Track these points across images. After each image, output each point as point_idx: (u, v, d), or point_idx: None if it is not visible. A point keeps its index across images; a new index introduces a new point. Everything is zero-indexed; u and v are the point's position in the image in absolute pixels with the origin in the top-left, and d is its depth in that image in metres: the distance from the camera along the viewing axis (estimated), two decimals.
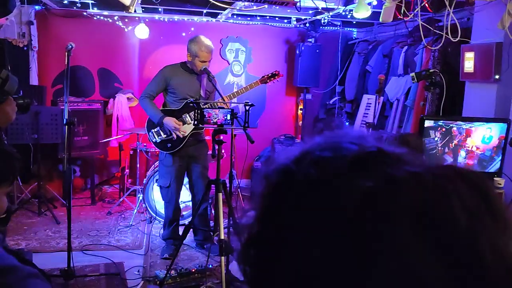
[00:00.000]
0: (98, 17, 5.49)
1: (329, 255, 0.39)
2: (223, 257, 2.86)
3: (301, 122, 6.29)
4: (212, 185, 3.16)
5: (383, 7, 2.96)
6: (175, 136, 3.67)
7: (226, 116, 2.92)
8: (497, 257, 0.38)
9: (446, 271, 0.37)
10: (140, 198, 4.67)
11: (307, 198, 0.42)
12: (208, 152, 4.00)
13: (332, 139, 0.47)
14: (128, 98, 5.64)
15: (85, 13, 5.31)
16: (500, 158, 3.03)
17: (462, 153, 3.08)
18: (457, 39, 3.07)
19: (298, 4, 2.60)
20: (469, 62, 3.47)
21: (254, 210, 0.47)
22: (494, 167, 3.05)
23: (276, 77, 3.92)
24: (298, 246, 0.41)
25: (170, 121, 3.63)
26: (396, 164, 0.42)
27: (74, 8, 5.10)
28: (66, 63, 2.92)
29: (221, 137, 3.02)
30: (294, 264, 0.41)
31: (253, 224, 0.46)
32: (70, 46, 3.01)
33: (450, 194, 0.39)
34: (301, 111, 6.28)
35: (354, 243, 0.39)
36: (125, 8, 2.68)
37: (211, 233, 3.89)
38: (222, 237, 2.87)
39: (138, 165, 4.83)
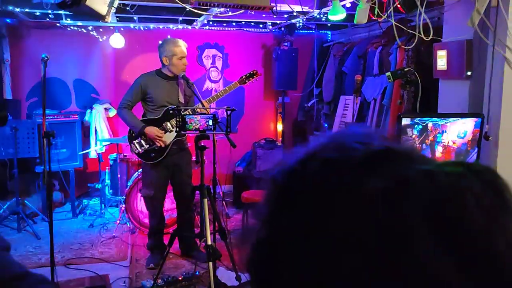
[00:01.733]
0: (72, 27, 5.43)
1: (341, 258, 0.39)
2: (210, 263, 2.85)
3: (280, 125, 6.34)
4: (197, 192, 3.16)
5: (357, 8, 3.02)
6: (158, 145, 3.64)
7: (208, 121, 2.93)
8: None
9: (462, 270, 0.36)
10: (123, 208, 4.62)
11: (316, 201, 0.41)
12: (192, 159, 3.99)
13: (337, 138, 0.46)
14: (105, 108, 5.58)
15: (58, 24, 5.24)
16: (476, 150, 3.12)
17: (439, 149, 3.15)
18: (429, 38, 3.15)
19: (274, 8, 2.64)
20: (441, 60, 3.57)
21: (260, 213, 0.46)
22: (471, 159, 3.14)
23: (255, 76, 3.89)
24: (308, 249, 0.40)
25: (152, 130, 3.60)
26: (406, 163, 0.41)
27: (47, 19, 5.03)
28: (42, 74, 2.87)
29: (203, 143, 3.03)
30: (304, 268, 0.40)
31: (261, 227, 0.45)
32: (46, 57, 2.97)
33: (464, 192, 0.38)
34: (280, 114, 6.32)
35: (367, 247, 0.38)
36: (101, 18, 2.66)
37: (197, 240, 3.88)
38: (209, 242, 2.86)
39: (119, 176, 4.78)
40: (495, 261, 0.37)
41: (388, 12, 2.98)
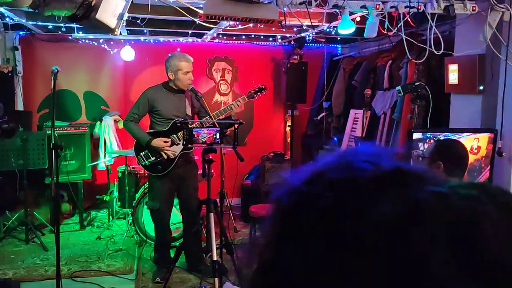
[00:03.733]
0: (83, 40, 5.49)
1: (363, 278, 0.36)
2: (216, 279, 2.81)
3: (289, 138, 6.30)
4: (203, 205, 3.12)
5: (367, 22, 3.00)
6: (165, 156, 3.62)
7: (216, 135, 2.91)
8: None
9: None
10: (130, 221, 4.59)
11: (323, 224, 0.39)
12: (198, 172, 3.96)
13: (344, 157, 0.44)
14: (115, 120, 5.60)
15: (70, 37, 5.31)
16: (488, 168, 3.06)
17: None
18: (440, 52, 3.12)
19: (283, 21, 2.63)
20: (453, 74, 3.53)
21: (265, 234, 0.44)
22: (484, 177, 3.07)
23: (264, 91, 3.83)
24: (314, 274, 0.38)
25: (158, 141, 3.59)
26: (418, 185, 0.39)
27: (59, 32, 5.09)
28: (52, 87, 2.89)
29: (210, 157, 3.00)
30: None
31: (265, 249, 0.43)
32: (56, 70, 2.99)
33: (481, 218, 0.36)
34: (289, 128, 6.30)
35: (377, 275, 0.35)
36: (110, 31, 2.67)
37: (203, 255, 3.84)
38: (215, 258, 2.82)
39: (127, 188, 4.77)
40: None
41: (398, 26, 2.96)
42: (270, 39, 5.96)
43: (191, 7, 2.63)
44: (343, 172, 0.42)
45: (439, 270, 0.35)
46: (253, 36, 5.75)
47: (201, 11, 2.56)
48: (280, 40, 5.95)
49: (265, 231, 0.45)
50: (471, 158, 3.09)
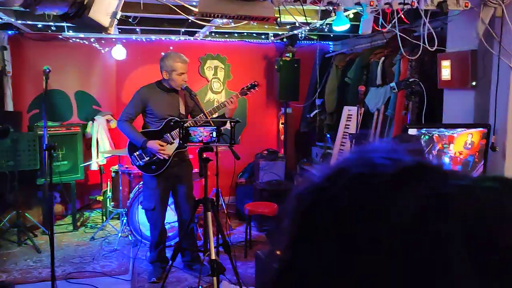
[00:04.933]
0: (74, 39, 5.43)
1: (377, 282, 0.36)
2: (214, 278, 2.80)
3: (282, 136, 6.30)
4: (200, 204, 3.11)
5: (362, 19, 3.00)
6: (161, 158, 3.60)
7: (212, 133, 2.89)
8: None
9: None
10: (124, 221, 4.56)
11: (349, 220, 0.38)
12: (193, 171, 3.94)
13: (362, 154, 0.44)
14: (107, 120, 5.56)
15: (60, 36, 5.24)
16: (482, 162, 3.08)
17: (446, 160, 3.11)
18: (434, 48, 3.13)
19: (278, 19, 2.62)
20: (446, 70, 3.54)
21: (285, 233, 0.43)
22: (478, 172, 3.10)
23: (256, 87, 3.84)
24: (328, 277, 0.38)
25: (154, 144, 3.57)
26: (441, 179, 0.39)
27: (49, 31, 5.03)
28: (44, 87, 2.85)
29: (204, 155, 2.99)
30: None
31: (286, 249, 0.42)
32: (48, 70, 2.95)
33: (506, 209, 0.36)
34: (282, 125, 6.30)
35: (406, 268, 0.35)
36: (104, 29, 2.64)
37: (199, 254, 3.83)
38: (213, 257, 2.81)
39: (120, 188, 4.73)
40: None
41: (392, 22, 2.96)
42: (263, 36, 5.95)
43: (186, 4, 2.61)
44: (365, 168, 0.41)
45: (460, 261, 0.34)
46: (245, 34, 5.73)
47: (195, 9, 2.54)
48: (272, 38, 5.94)
49: (284, 230, 0.44)
50: (465, 153, 3.11)
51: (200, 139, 2.87)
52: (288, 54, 5.88)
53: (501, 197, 0.37)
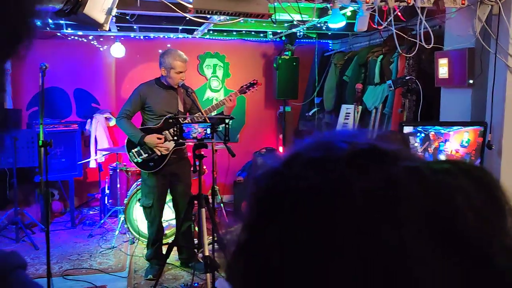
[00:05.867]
0: (72, 37, 5.44)
1: (328, 268, 0.36)
2: (208, 274, 2.80)
3: (281, 134, 6.30)
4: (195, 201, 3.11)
5: (357, 16, 2.99)
6: (158, 153, 3.60)
7: (206, 130, 2.89)
8: (508, 258, 0.36)
9: (453, 272, 0.35)
10: (122, 218, 4.57)
11: (302, 203, 0.39)
12: (192, 169, 3.95)
13: (322, 139, 0.44)
14: (106, 118, 5.57)
15: (58, 34, 5.25)
16: (479, 161, 3.07)
17: (442, 158, 3.11)
18: (430, 46, 3.12)
19: (273, 16, 2.62)
20: (443, 68, 3.54)
21: (241, 218, 0.44)
22: None
23: (255, 86, 3.85)
24: (290, 255, 0.38)
25: (151, 138, 3.57)
26: (392, 161, 0.39)
27: (48, 29, 5.03)
28: (40, 84, 2.86)
29: (202, 152, 2.99)
30: (290, 274, 0.38)
31: (242, 233, 0.43)
32: (44, 66, 2.95)
33: (454, 191, 0.36)
34: (281, 124, 6.29)
35: (360, 250, 0.35)
36: (99, 26, 2.64)
37: (196, 251, 3.83)
38: (207, 253, 2.81)
39: (118, 185, 4.74)
40: (489, 263, 0.35)
41: (388, 20, 2.95)
42: (261, 35, 5.95)
43: (181, 1, 2.61)
44: (321, 151, 0.42)
45: (412, 244, 0.35)
46: (244, 32, 5.73)
47: (190, 6, 2.54)
48: (271, 36, 5.94)
49: (243, 213, 0.44)
50: (462, 151, 3.10)
51: (195, 135, 2.87)
52: (287, 53, 5.88)
53: (450, 178, 0.37)
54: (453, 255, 0.35)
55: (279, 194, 0.41)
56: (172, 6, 2.80)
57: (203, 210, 2.88)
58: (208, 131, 2.87)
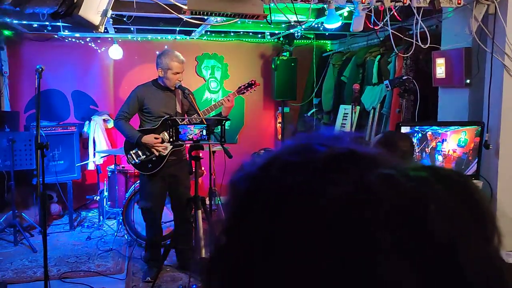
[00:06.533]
0: (70, 39, 5.43)
1: (299, 272, 0.36)
2: None
3: (280, 135, 6.29)
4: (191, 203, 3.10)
5: (354, 16, 2.99)
6: (156, 153, 3.59)
7: (202, 131, 2.88)
8: (480, 271, 0.35)
9: (424, 284, 0.34)
10: (120, 220, 4.56)
11: (275, 207, 0.38)
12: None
13: (302, 141, 0.44)
14: (104, 120, 5.56)
15: (56, 36, 5.25)
16: (476, 160, 3.07)
17: (439, 158, 3.10)
18: (427, 46, 3.12)
19: (268, 16, 2.61)
20: (440, 68, 3.53)
21: (221, 220, 0.44)
22: (471, 170, 3.08)
23: (253, 86, 3.84)
24: (267, 258, 0.38)
25: (148, 138, 3.56)
26: (369, 167, 0.38)
27: (45, 31, 5.03)
28: (37, 85, 2.85)
29: (200, 154, 2.99)
30: (261, 274, 0.38)
31: (220, 235, 0.43)
32: (40, 68, 2.95)
33: (425, 199, 0.35)
34: (280, 125, 6.28)
35: (332, 254, 0.35)
36: (94, 28, 2.64)
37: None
38: (203, 255, 2.80)
39: (117, 187, 4.73)
40: (460, 276, 0.34)
41: (384, 20, 2.95)
42: (259, 36, 5.95)
43: (176, 3, 2.61)
44: (297, 155, 0.41)
45: (383, 253, 0.34)
46: (241, 33, 5.72)
47: (185, 7, 2.54)
48: (269, 37, 5.94)
49: (221, 216, 0.44)
50: (459, 151, 3.10)
51: (190, 137, 2.86)
52: (285, 53, 5.88)
53: (425, 185, 0.36)
54: (421, 262, 0.34)
55: (251, 195, 0.41)
56: (167, 8, 2.80)
57: (200, 212, 2.87)
58: (204, 132, 2.86)
